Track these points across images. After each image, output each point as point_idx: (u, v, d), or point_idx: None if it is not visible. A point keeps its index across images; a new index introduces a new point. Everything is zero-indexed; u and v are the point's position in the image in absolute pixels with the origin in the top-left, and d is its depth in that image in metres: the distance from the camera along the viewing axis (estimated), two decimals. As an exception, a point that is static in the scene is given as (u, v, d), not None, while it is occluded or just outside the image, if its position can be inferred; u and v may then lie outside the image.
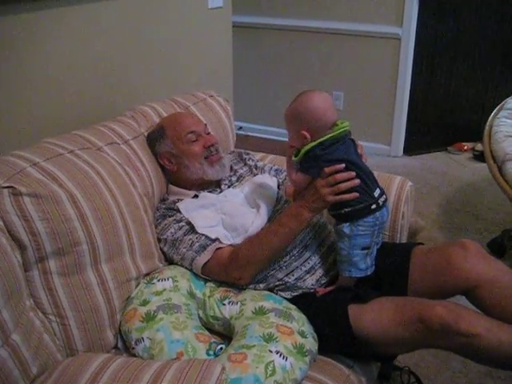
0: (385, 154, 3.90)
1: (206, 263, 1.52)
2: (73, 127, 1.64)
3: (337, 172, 1.41)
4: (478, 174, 3.56)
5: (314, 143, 1.42)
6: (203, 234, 1.55)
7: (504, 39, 3.74)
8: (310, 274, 1.54)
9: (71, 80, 1.82)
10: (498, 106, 2.73)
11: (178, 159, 1.68)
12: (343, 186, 1.41)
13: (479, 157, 3.65)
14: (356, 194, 1.41)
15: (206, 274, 1.55)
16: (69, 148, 1.48)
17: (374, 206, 1.43)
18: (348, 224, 1.44)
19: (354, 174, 1.41)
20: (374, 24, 3.63)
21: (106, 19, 1.91)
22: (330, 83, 3.90)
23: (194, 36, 2.40)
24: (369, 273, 1.48)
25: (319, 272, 1.55)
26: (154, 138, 1.70)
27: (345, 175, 1.41)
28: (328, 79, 3.90)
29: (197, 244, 1.54)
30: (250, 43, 4.03)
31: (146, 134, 1.74)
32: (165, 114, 1.83)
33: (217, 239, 1.55)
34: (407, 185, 1.79)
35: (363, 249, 1.45)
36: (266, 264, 1.51)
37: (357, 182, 1.41)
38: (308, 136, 1.42)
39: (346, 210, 1.43)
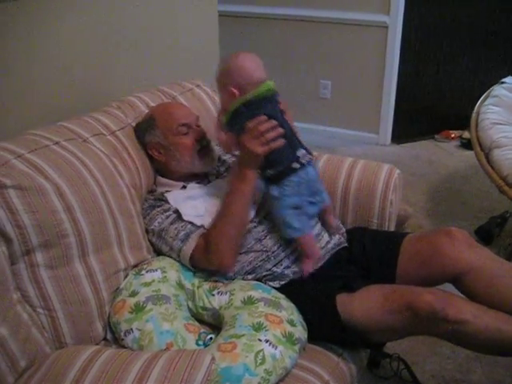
0: (373, 142, 3.90)
1: (193, 253, 1.51)
2: (58, 118, 1.62)
3: (260, 124, 1.43)
4: (465, 162, 3.57)
5: (239, 102, 1.45)
6: (189, 222, 1.54)
7: (491, 27, 3.74)
8: (297, 262, 1.54)
9: (56, 71, 1.80)
10: (485, 94, 2.74)
11: (168, 151, 1.66)
12: (269, 135, 1.43)
13: (466, 144, 3.67)
14: (283, 141, 1.43)
15: (196, 265, 1.54)
16: (54, 139, 1.46)
17: (296, 165, 1.46)
18: (275, 186, 1.47)
19: (276, 122, 1.43)
20: (361, 12, 3.62)
21: (90, 9, 1.89)
22: (317, 72, 3.90)
23: (180, 26, 2.38)
24: (307, 232, 1.50)
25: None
26: (144, 129, 1.68)
27: (267, 125, 1.43)
28: (315, 68, 3.89)
29: (182, 233, 1.53)
30: (237, 32, 3.99)
31: (133, 124, 1.73)
32: (152, 105, 1.81)
33: (202, 226, 1.54)
34: (395, 173, 1.79)
35: (294, 208, 1.48)
36: (238, 236, 1.50)
37: (281, 130, 1.43)
38: (237, 93, 1.45)
39: (270, 171, 1.47)
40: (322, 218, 1.63)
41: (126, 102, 1.80)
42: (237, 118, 1.45)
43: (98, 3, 1.92)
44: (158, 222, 1.58)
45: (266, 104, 1.45)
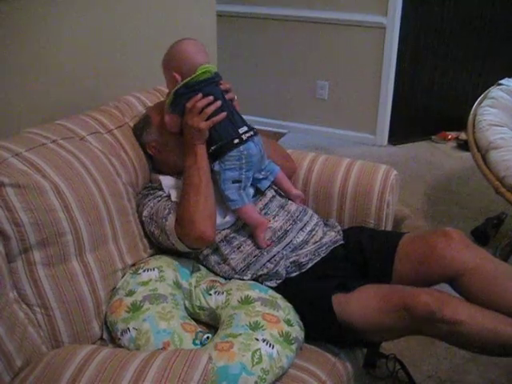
0: (370, 143, 3.91)
1: (175, 231, 1.49)
2: (56, 117, 1.61)
3: (198, 102, 1.50)
4: (462, 163, 3.58)
5: (178, 85, 1.53)
6: (175, 202, 1.55)
7: (488, 28, 3.75)
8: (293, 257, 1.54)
9: (53, 69, 1.79)
10: (482, 95, 2.75)
11: (166, 147, 1.66)
12: (208, 110, 1.50)
13: (463, 146, 3.68)
14: (224, 114, 1.51)
15: (185, 244, 1.51)
16: (51, 138, 1.46)
17: (236, 141, 1.52)
18: (218, 162, 1.54)
19: (212, 97, 1.50)
20: (358, 13, 3.63)
21: (89, 9, 1.89)
22: (314, 73, 3.90)
23: (177, 25, 2.38)
24: (246, 202, 1.54)
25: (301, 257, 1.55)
26: (141, 128, 1.68)
27: (204, 101, 1.49)
28: (313, 69, 3.90)
29: (165, 211, 1.53)
30: (235, 33, 4.00)
31: (130, 123, 1.72)
32: (149, 104, 1.81)
33: None
34: (392, 174, 1.79)
35: (234, 182, 1.54)
36: (207, 205, 1.48)
37: (218, 103, 1.50)
38: (178, 78, 1.53)
39: (213, 148, 1.54)
40: (280, 187, 1.69)
41: (123, 101, 1.80)
42: (177, 99, 1.53)
43: (97, 3, 1.92)
44: (150, 207, 1.58)
45: (204, 85, 1.52)
